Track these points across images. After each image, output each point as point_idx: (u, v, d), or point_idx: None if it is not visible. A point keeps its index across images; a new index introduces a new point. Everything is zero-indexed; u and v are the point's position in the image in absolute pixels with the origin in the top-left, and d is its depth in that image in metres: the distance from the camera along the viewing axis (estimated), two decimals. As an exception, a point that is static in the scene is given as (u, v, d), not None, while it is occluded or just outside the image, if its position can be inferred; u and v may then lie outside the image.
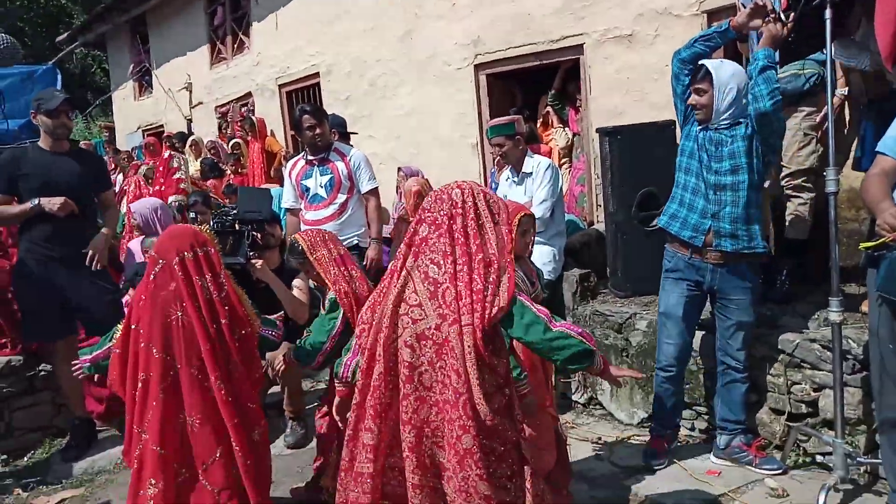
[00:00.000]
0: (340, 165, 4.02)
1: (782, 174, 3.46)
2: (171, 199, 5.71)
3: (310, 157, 4.05)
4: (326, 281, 2.60)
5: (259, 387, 2.52)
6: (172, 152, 7.20)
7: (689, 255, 2.95)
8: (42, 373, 4.01)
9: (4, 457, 3.75)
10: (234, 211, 3.42)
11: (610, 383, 2.39)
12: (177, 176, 6.46)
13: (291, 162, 4.26)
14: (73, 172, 3.48)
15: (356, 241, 4.03)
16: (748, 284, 2.93)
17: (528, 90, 6.04)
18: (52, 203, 3.34)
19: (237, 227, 3.25)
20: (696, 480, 2.91)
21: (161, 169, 6.74)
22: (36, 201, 3.35)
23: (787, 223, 3.48)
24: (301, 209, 4.14)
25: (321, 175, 4.02)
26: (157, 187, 6.51)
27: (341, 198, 4.00)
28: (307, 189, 4.05)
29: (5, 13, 19.02)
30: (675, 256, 3.01)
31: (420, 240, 1.93)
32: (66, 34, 12.47)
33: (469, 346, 1.82)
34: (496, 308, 1.83)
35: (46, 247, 3.45)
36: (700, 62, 2.86)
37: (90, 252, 3.50)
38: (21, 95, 7.90)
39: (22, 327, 3.68)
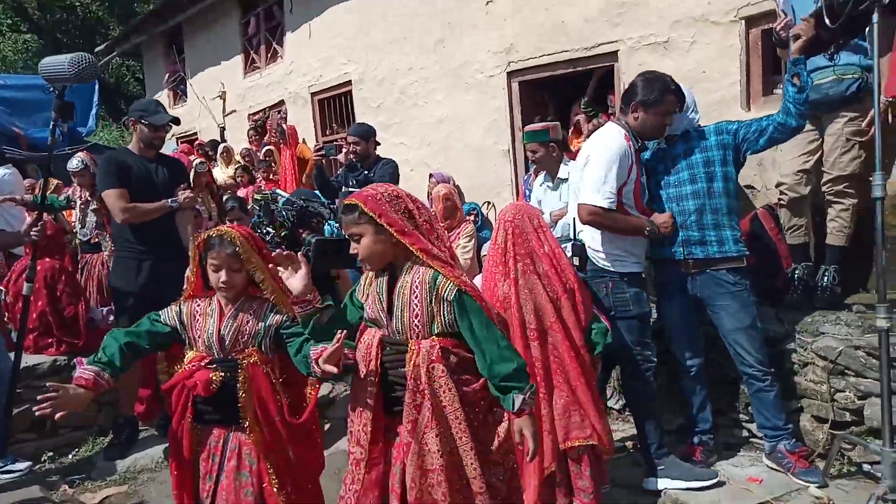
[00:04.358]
0: None
1: (823, 180, 3.43)
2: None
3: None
4: None
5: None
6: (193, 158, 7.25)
7: (671, 267, 3.03)
8: (86, 372, 4.11)
9: (50, 454, 3.85)
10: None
11: None
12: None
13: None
14: (165, 176, 3.72)
15: None
16: (732, 289, 2.93)
17: (561, 97, 6.05)
18: (186, 198, 3.64)
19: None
20: (737, 487, 2.88)
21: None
22: (170, 200, 3.59)
23: (828, 229, 3.45)
24: None
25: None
26: None
27: None
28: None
29: (46, 25, 19.60)
30: (662, 270, 3.10)
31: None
32: (103, 45, 12.79)
33: None
34: None
35: (141, 245, 3.63)
36: None
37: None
38: (60, 104, 8.12)
39: (120, 325, 3.76)
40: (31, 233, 3.39)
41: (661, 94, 2.87)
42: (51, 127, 3.41)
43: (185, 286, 2.25)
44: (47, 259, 4.13)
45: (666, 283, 3.10)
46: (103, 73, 17.66)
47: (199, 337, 2.15)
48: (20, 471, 3.49)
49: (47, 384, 1.93)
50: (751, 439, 3.26)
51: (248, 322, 2.14)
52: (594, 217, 2.82)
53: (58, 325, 4.11)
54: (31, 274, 3.51)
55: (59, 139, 6.47)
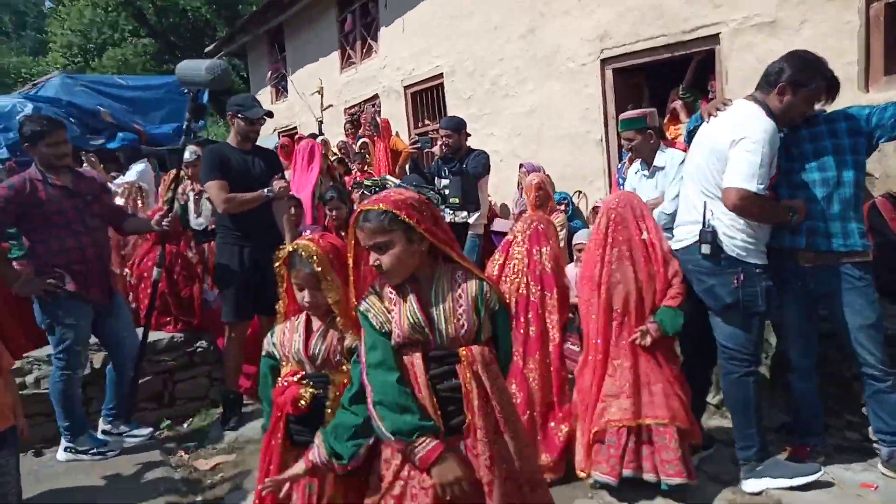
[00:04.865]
0: None
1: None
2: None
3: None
4: None
5: None
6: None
7: (788, 262, 2.84)
8: (199, 349, 4.45)
9: (168, 422, 4.20)
10: None
11: None
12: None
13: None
14: (262, 167, 3.92)
15: None
16: (857, 284, 2.73)
17: (656, 83, 5.85)
18: (281, 187, 3.80)
19: None
20: (849, 493, 2.71)
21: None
22: (266, 190, 3.78)
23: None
24: None
25: None
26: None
27: None
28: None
29: (161, 29, 21.09)
30: (778, 261, 2.86)
31: None
32: (212, 46, 13.62)
33: None
34: None
35: (240, 233, 3.85)
36: None
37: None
38: (173, 103, 8.77)
39: (223, 307, 4.01)
40: (163, 223, 3.70)
41: (817, 77, 2.65)
42: (185, 126, 3.69)
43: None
44: (165, 245, 4.48)
45: (782, 275, 2.88)
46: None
47: (287, 353, 2.07)
48: (143, 436, 3.83)
49: (265, 480, 1.96)
50: (864, 443, 3.05)
51: (338, 338, 2.01)
52: (745, 202, 2.59)
53: (175, 305, 4.46)
54: (160, 260, 3.84)
55: (192, 137, 6.96)
